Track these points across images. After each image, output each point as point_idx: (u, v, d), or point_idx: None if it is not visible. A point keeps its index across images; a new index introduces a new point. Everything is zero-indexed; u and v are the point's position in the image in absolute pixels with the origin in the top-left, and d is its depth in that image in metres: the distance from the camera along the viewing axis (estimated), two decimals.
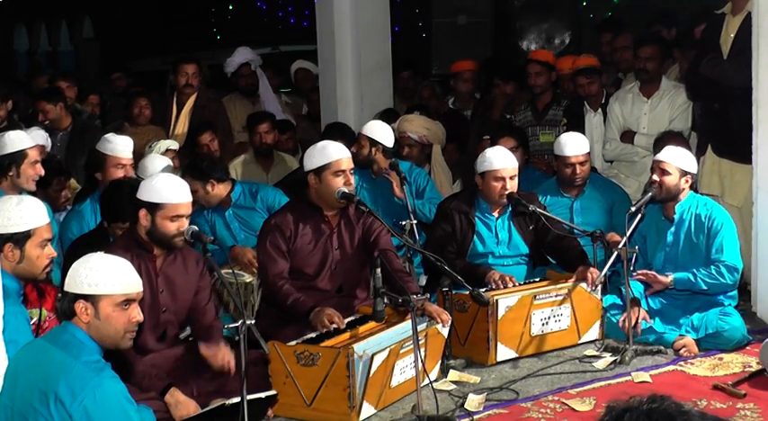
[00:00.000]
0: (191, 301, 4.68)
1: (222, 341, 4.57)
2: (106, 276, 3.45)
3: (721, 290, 5.35)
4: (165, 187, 4.48)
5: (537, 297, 5.27)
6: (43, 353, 3.42)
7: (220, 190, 5.98)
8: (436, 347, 4.87)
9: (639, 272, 5.38)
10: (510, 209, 5.71)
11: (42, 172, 5.51)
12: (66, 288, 3.49)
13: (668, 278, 5.32)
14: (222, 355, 4.43)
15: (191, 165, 6.18)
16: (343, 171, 5.07)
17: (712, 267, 5.31)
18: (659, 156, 5.46)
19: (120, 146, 5.92)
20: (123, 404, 3.36)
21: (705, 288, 5.31)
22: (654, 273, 5.37)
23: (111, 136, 6.04)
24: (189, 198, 4.55)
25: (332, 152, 5.10)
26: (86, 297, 3.44)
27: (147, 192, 4.49)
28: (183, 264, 4.66)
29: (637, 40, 7.21)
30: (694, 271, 5.32)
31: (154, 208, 4.46)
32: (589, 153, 6.25)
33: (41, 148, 6.53)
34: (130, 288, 3.51)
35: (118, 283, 3.47)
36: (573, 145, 6.07)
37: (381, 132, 6.33)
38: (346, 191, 5.05)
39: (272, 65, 9.68)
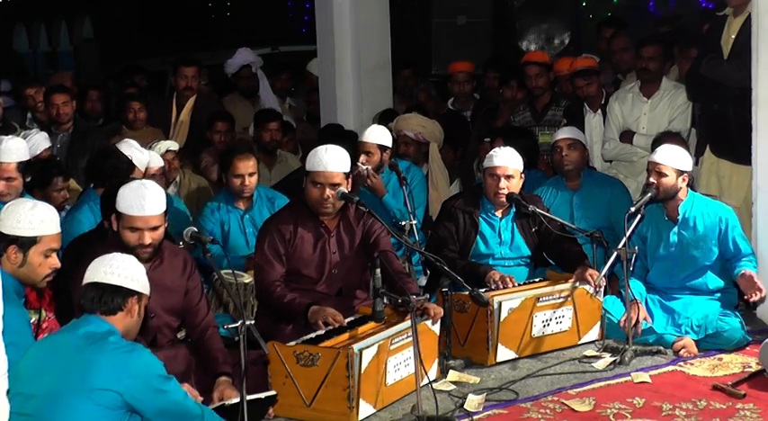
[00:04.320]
0: (182, 303, 4.63)
1: (218, 342, 4.56)
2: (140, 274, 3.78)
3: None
4: (129, 196, 4.37)
5: (540, 299, 5.27)
6: (68, 350, 3.54)
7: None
8: (428, 345, 4.83)
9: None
10: (514, 210, 5.73)
11: None
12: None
13: (749, 272, 5.26)
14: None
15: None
16: (321, 184, 5.00)
17: (750, 257, 5.37)
18: (654, 158, 5.46)
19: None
20: (162, 370, 3.62)
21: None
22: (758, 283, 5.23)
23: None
24: (151, 212, 4.35)
25: (318, 162, 5.03)
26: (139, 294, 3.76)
27: (117, 198, 4.43)
28: (170, 266, 4.59)
29: (639, 39, 7.20)
30: (745, 264, 5.31)
31: (119, 216, 4.42)
32: (580, 141, 6.26)
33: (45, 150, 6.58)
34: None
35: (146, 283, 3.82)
36: (562, 131, 6.34)
37: (386, 135, 6.39)
38: (345, 191, 5.05)
39: (275, 66, 9.69)
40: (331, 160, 5.02)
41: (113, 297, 3.64)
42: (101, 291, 3.64)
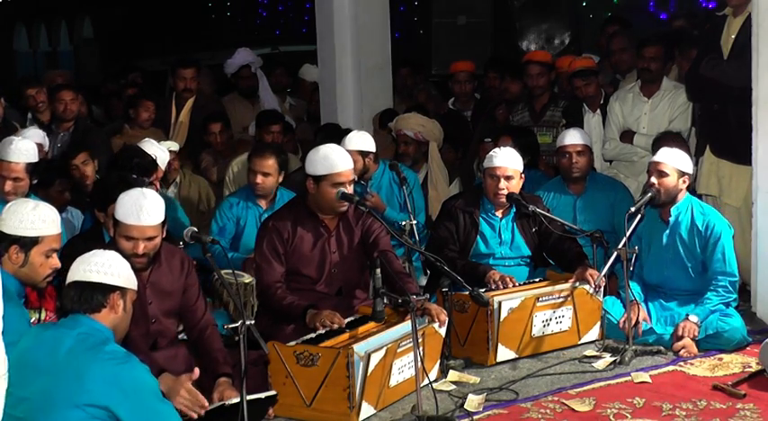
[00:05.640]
0: (180, 302, 4.63)
1: (217, 342, 4.56)
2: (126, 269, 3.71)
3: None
4: (127, 204, 4.34)
5: (540, 299, 5.27)
6: (61, 353, 3.45)
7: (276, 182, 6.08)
8: (434, 347, 4.87)
9: (677, 344, 5.26)
10: (514, 210, 5.73)
11: None
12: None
13: (694, 320, 5.24)
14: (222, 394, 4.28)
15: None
16: (343, 183, 5.02)
17: (720, 289, 5.32)
18: (656, 158, 5.46)
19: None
20: (156, 389, 3.52)
21: (720, 308, 5.33)
22: (687, 326, 5.23)
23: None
24: (148, 222, 4.33)
25: (334, 163, 5.03)
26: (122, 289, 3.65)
27: (116, 205, 4.40)
28: (168, 268, 4.58)
29: (640, 39, 7.21)
30: (706, 302, 5.29)
31: (116, 222, 4.41)
32: (588, 146, 6.25)
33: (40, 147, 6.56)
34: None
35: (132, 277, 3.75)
36: (571, 135, 6.25)
37: (365, 140, 6.39)
38: (346, 191, 5.05)
39: (277, 65, 9.68)
40: (346, 160, 5.07)
41: (93, 294, 3.56)
42: (80, 290, 3.57)
